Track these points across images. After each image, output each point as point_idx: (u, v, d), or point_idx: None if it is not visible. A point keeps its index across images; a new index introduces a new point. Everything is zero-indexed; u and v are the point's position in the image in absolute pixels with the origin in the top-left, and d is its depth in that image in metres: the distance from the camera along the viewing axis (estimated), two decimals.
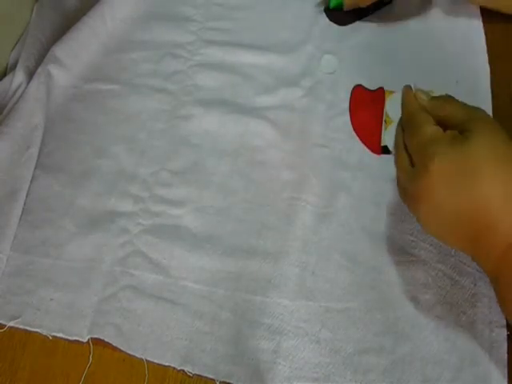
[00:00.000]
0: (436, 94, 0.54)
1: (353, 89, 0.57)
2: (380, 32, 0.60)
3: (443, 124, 0.38)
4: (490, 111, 0.53)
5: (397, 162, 0.41)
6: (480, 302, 0.45)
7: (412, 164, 0.39)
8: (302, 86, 0.57)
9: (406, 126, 0.40)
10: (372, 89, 0.56)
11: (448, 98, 0.40)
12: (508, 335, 0.44)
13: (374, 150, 0.53)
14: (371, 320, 0.46)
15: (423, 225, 0.39)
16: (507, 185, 0.35)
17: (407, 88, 0.42)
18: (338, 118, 0.55)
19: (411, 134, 0.39)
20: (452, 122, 0.38)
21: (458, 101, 0.39)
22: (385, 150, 0.53)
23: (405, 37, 0.59)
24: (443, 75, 0.56)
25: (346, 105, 0.56)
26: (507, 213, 0.35)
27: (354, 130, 0.54)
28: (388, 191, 0.51)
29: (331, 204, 0.51)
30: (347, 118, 0.55)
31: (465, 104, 0.39)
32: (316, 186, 0.52)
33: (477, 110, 0.38)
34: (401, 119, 0.42)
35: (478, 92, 0.55)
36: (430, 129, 0.37)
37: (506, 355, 0.43)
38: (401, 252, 0.48)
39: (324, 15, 0.61)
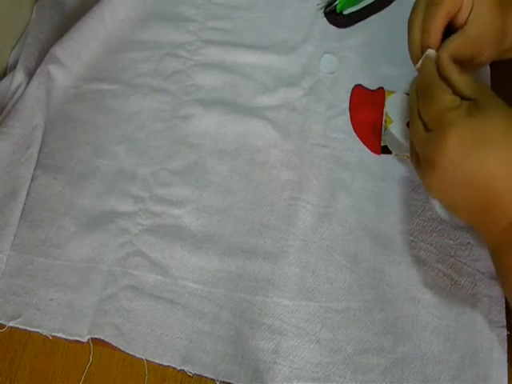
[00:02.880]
0: None
1: (353, 89, 0.57)
2: (380, 32, 0.60)
3: (457, 92, 0.39)
4: None
5: (412, 129, 0.42)
6: (480, 301, 0.45)
7: (427, 130, 0.40)
8: (302, 85, 0.57)
9: (423, 93, 0.41)
10: (372, 89, 0.56)
11: (464, 70, 0.41)
12: (508, 335, 0.44)
13: (374, 150, 0.53)
14: (371, 320, 0.46)
15: (435, 191, 0.40)
16: None
17: (428, 55, 0.43)
18: (338, 118, 0.55)
19: (429, 101, 0.40)
20: (465, 92, 0.39)
21: (470, 76, 0.40)
22: (385, 150, 0.53)
23: (405, 37, 0.59)
24: None
25: (346, 105, 0.56)
26: None
27: (354, 129, 0.54)
28: (388, 191, 0.51)
29: (331, 204, 0.51)
30: (347, 117, 0.55)
31: (478, 81, 0.40)
32: (316, 186, 0.52)
33: (488, 88, 0.40)
34: (415, 86, 0.42)
35: None
36: (448, 97, 0.39)
37: (506, 355, 0.43)
38: (401, 252, 0.48)
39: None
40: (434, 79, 0.40)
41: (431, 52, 0.43)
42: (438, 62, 0.41)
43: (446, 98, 0.39)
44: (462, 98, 0.39)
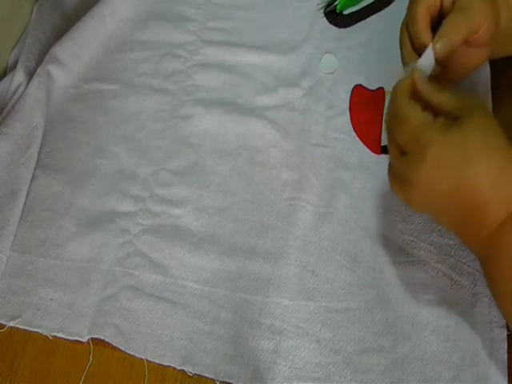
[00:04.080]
0: None
1: (353, 89, 0.57)
2: (380, 32, 0.60)
3: (432, 110, 0.38)
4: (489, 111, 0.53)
5: (389, 151, 0.41)
6: (480, 301, 0.45)
7: (401, 152, 0.39)
8: (302, 85, 0.57)
9: (393, 115, 0.40)
10: (372, 89, 0.56)
11: (442, 86, 0.39)
12: (508, 335, 0.44)
13: (373, 150, 0.53)
14: (371, 320, 0.46)
15: (415, 207, 0.40)
16: (497, 170, 0.36)
17: (400, 82, 0.41)
18: (338, 118, 0.55)
19: (400, 122, 0.39)
20: (445, 108, 0.38)
21: (450, 89, 0.39)
22: (385, 150, 0.53)
23: None
24: None
25: (346, 105, 0.56)
26: (496, 195, 0.36)
27: (354, 129, 0.54)
28: (388, 191, 0.51)
29: (331, 204, 0.51)
30: (347, 117, 0.55)
31: (457, 93, 0.39)
32: (316, 186, 0.52)
33: (470, 99, 0.39)
34: (388, 109, 0.41)
35: (478, 92, 0.55)
36: (419, 116, 0.38)
37: (506, 355, 0.43)
38: (401, 252, 0.48)
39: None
40: (403, 100, 0.39)
41: (429, 59, 0.41)
42: (413, 82, 0.40)
43: (418, 116, 0.38)
44: (444, 113, 0.38)
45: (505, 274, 0.37)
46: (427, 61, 0.41)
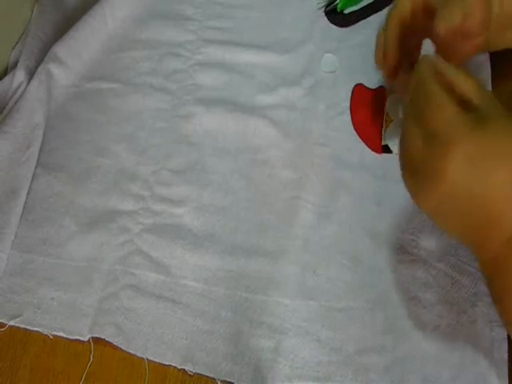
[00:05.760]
0: None
1: (353, 88, 0.57)
2: None
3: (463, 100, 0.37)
4: None
5: (406, 140, 0.39)
6: (480, 301, 0.45)
7: (425, 143, 0.37)
8: (302, 85, 0.57)
9: (422, 102, 0.38)
10: (373, 88, 0.56)
11: (470, 76, 0.38)
12: (508, 335, 0.44)
13: (374, 149, 0.53)
14: (372, 319, 0.46)
15: (428, 206, 0.38)
16: None
17: (425, 59, 0.39)
18: (338, 117, 0.55)
19: (430, 112, 0.37)
20: (474, 100, 0.36)
21: (477, 80, 0.38)
22: (385, 149, 0.53)
23: None
24: None
25: (347, 104, 0.56)
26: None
27: (355, 129, 0.54)
28: (389, 190, 0.51)
29: (332, 203, 0.51)
30: (348, 117, 0.55)
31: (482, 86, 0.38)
32: (316, 186, 0.52)
33: (492, 96, 0.37)
34: (414, 89, 0.40)
35: None
36: (454, 110, 0.36)
37: (506, 355, 0.43)
38: (401, 251, 0.48)
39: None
40: (435, 88, 0.37)
41: (428, 51, 0.41)
42: (437, 66, 0.38)
43: (452, 110, 0.36)
44: (469, 105, 0.36)
45: None
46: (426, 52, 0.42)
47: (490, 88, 0.54)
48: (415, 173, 0.38)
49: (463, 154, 0.35)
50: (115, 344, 0.46)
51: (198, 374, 0.45)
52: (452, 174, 0.35)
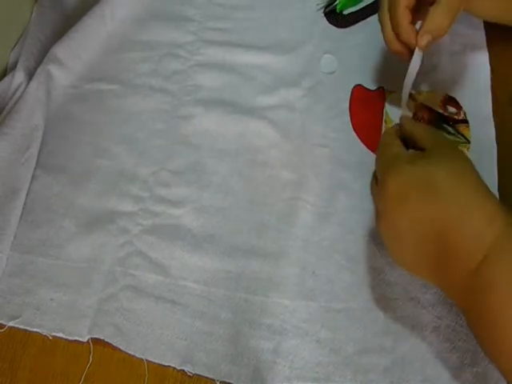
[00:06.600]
0: (437, 93, 0.54)
1: (353, 89, 0.57)
2: (380, 32, 0.59)
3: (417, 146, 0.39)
4: (489, 111, 0.53)
5: (371, 187, 0.43)
6: None
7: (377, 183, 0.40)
8: (302, 86, 0.57)
9: (378, 151, 0.42)
10: (372, 89, 0.56)
11: (419, 123, 0.43)
12: None
13: (374, 150, 0.53)
14: (371, 320, 0.46)
15: (385, 241, 0.39)
16: (461, 205, 0.34)
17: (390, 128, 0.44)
18: (338, 118, 0.55)
19: (378, 152, 0.41)
20: (419, 144, 0.39)
21: (426, 126, 0.43)
22: None
23: None
24: (443, 75, 0.56)
25: (346, 105, 0.56)
26: (465, 234, 0.34)
27: (354, 129, 0.54)
28: None
29: (331, 204, 0.51)
30: (347, 117, 0.55)
31: (434, 130, 0.42)
32: (316, 186, 0.52)
33: (442, 136, 0.42)
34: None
35: (478, 92, 0.55)
36: (394, 149, 0.39)
37: None
38: None
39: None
40: (389, 135, 0.41)
41: (417, 62, 0.46)
42: (400, 120, 0.43)
43: (394, 149, 0.39)
44: (419, 148, 0.38)
45: (498, 311, 0.33)
46: (415, 63, 0.46)
47: (489, 89, 0.54)
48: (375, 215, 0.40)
49: (397, 183, 0.36)
50: (114, 345, 0.46)
51: (198, 374, 0.45)
52: (390, 203, 0.36)
